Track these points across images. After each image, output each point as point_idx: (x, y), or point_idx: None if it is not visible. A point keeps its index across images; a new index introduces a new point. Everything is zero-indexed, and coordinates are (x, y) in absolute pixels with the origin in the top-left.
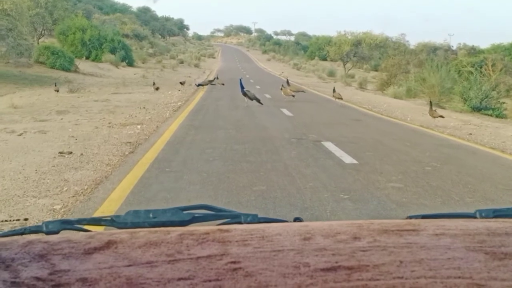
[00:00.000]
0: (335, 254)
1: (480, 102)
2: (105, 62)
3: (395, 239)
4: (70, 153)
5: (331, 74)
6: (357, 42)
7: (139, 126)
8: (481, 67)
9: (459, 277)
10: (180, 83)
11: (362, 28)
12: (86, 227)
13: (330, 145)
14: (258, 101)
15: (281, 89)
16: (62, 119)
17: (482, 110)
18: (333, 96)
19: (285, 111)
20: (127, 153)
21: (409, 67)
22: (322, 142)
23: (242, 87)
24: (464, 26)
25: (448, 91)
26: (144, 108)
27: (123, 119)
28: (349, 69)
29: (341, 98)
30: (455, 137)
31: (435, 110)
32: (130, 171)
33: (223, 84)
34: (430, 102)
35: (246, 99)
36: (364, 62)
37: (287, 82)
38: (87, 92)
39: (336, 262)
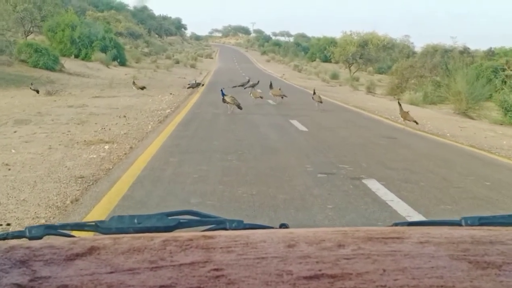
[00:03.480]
0: (318, 262)
1: None
2: (95, 61)
3: (379, 247)
4: None
5: (334, 76)
6: (363, 43)
7: (107, 147)
8: (503, 70)
9: (442, 286)
10: (193, 86)
11: (356, 29)
12: (69, 232)
13: (379, 188)
14: (238, 105)
15: (250, 92)
16: (15, 132)
17: None
18: (312, 98)
19: (296, 123)
20: (68, 201)
21: (424, 71)
22: (365, 181)
23: (223, 94)
24: (453, 30)
25: (477, 98)
26: (124, 117)
27: (92, 134)
28: (354, 72)
29: (321, 102)
30: None
31: (407, 112)
32: None
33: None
34: (399, 102)
35: (229, 106)
36: (370, 64)
37: (270, 85)
38: (66, 95)
39: (319, 270)
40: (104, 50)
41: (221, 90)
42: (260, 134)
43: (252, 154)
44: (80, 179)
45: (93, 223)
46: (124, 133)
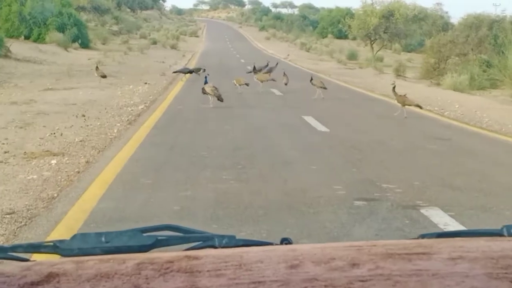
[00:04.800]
0: (327, 286)
1: None
2: (50, 43)
3: (402, 265)
4: None
5: (352, 56)
6: (388, 14)
7: (54, 161)
8: None
9: None
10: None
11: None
12: (23, 255)
13: (448, 223)
14: (219, 97)
15: (234, 79)
16: None
17: None
18: (312, 84)
19: (312, 121)
20: None
21: (467, 47)
22: (425, 211)
23: (205, 82)
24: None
25: None
26: (83, 116)
27: (36, 142)
28: (378, 50)
29: (325, 88)
30: None
31: (404, 96)
32: None
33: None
34: (393, 86)
35: (210, 98)
36: (396, 40)
37: (254, 68)
38: (11, 87)
39: None
40: (61, 29)
41: (205, 77)
42: (266, 138)
43: (257, 169)
44: (8, 215)
45: (51, 244)
46: (80, 140)
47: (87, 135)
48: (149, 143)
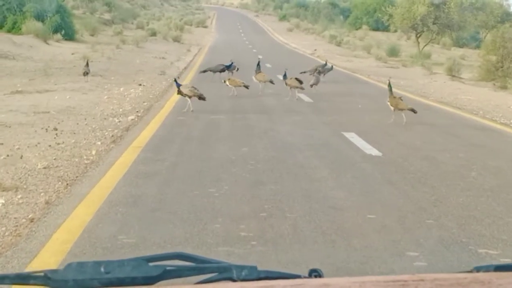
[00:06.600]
0: None
1: None
2: (27, 34)
3: None
4: None
5: (393, 52)
6: (439, 1)
7: (2, 201)
8: None
9: None
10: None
11: None
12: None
13: None
14: (201, 96)
15: (225, 80)
16: None
17: None
18: (286, 84)
19: (355, 139)
20: None
21: None
22: None
23: (178, 85)
24: None
25: None
26: (55, 130)
27: None
28: (425, 45)
29: (300, 87)
30: None
31: (399, 98)
32: None
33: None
34: (389, 83)
35: (188, 101)
36: (448, 33)
37: (258, 63)
38: None
39: None
40: (41, 17)
41: (175, 80)
42: (297, 166)
43: (289, 220)
44: None
45: (42, 274)
46: (44, 167)
47: (54, 159)
48: (136, 173)
